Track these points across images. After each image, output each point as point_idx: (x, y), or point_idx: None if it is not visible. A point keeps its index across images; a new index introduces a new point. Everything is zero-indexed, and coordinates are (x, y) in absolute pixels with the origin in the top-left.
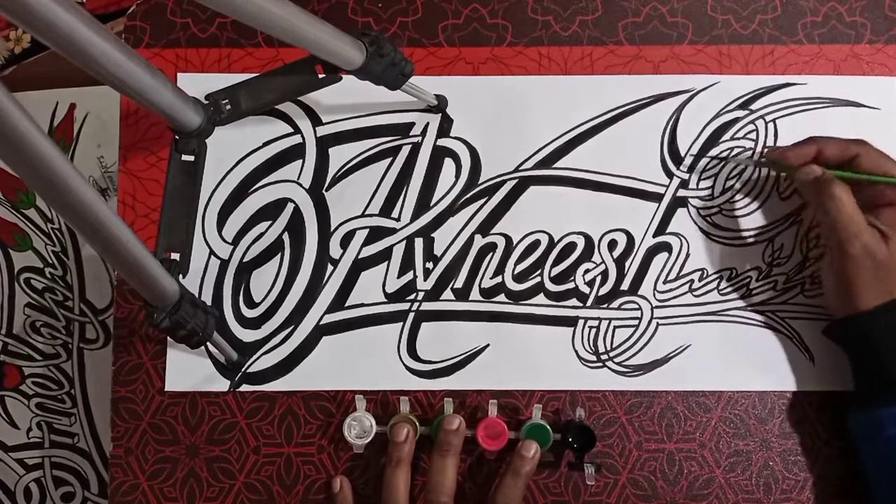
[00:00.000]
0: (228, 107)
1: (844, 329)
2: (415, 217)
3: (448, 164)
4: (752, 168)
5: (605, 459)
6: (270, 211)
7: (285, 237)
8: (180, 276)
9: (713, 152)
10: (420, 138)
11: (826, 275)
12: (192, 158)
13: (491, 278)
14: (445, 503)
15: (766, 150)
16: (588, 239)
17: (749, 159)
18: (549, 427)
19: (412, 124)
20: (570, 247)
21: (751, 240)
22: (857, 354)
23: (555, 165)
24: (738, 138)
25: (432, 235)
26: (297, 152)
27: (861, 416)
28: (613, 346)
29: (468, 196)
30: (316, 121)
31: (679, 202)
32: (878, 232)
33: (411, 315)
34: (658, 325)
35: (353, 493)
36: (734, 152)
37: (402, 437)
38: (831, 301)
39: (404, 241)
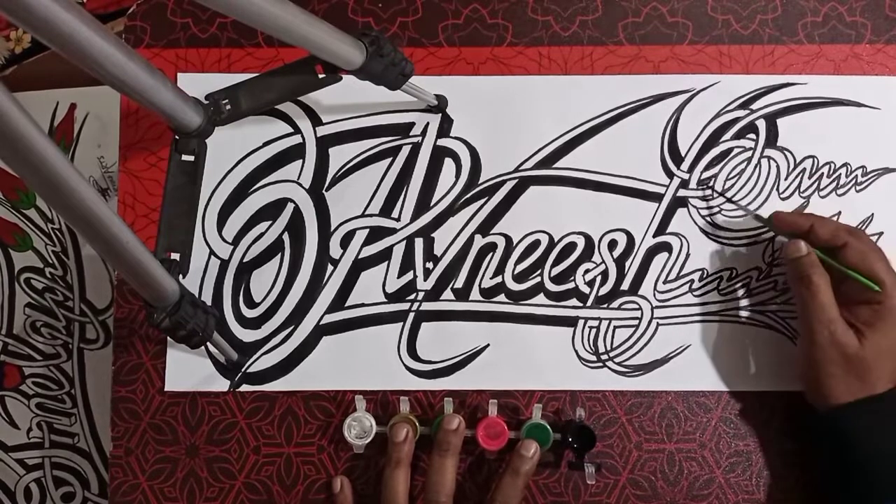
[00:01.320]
0: (228, 107)
1: (820, 422)
2: (415, 217)
3: (448, 164)
4: (750, 216)
5: (606, 460)
6: (270, 211)
7: (285, 237)
8: (180, 276)
9: (714, 152)
10: (420, 138)
11: (798, 359)
12: (192, 158)
13: (491, 278)
14: (444, 503)
15: (772, 212)
16: (588, 239)
17: (748, 210)
18: (549, 427)
19: (412, 124)
20: (571, 247)
21: (751, 240)
22: (830, 453)
23: (555, 165)
24: (739, 138)
25: (432, 235)
26: (297, 152)
27: None
28: (613, 346)
29: (468, 196)
30: (316, 121)
31: (679, 202)
32: (851, 327)
33: (411, 315)
34: (658, 325)
35: (353, 494)
36: (734, 152)
37: (401, 437)
38: (804, 385)
39: (404, 241)
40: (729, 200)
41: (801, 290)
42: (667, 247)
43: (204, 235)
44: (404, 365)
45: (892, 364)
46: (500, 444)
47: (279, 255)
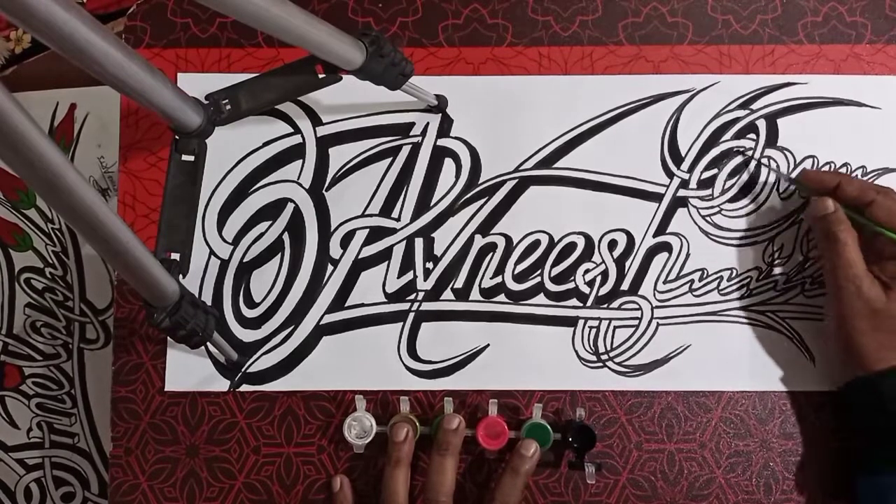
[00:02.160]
0: (228, 107)
1: (856, 388)
2: (415, 217)
3: (448, 164)
4: (784, 182)
5: (606, 460)
6: (270, 211)
7: (285, 237)
8: (180, 276)
9: (714, 152)
10: (420, 138)
11: (826, 318)
12: (192, 158)
13: (491, 278)
14: (444, 502)
15: (799, 170)
16: (588, 239)
17: (782, 174)
18: (549, 427)
19: (412, 124)
20: (571, 247)
21: (751, 240)
22: (866, 417)
23: (555, 165)
24: (739, 138)
25: (432, 235)
26: (297, 152)
27: (869, 483)
28: (613, 346)
29: (468, 196)
30: (316, 121)
31: (679, 202)
32: (878, 282)
33: (411, 315)
34: (658, 325)
35: (352, 493)
36: (735, 153)
37: (401, 436)
38: (833, 346)
39: (404, 241)
40: (770, 169)
41: (828, 246)
42: (667, 247)
43: (204, 235)
44: (404, 365)
45: None
46: (500, 443)
47: (279, 255)
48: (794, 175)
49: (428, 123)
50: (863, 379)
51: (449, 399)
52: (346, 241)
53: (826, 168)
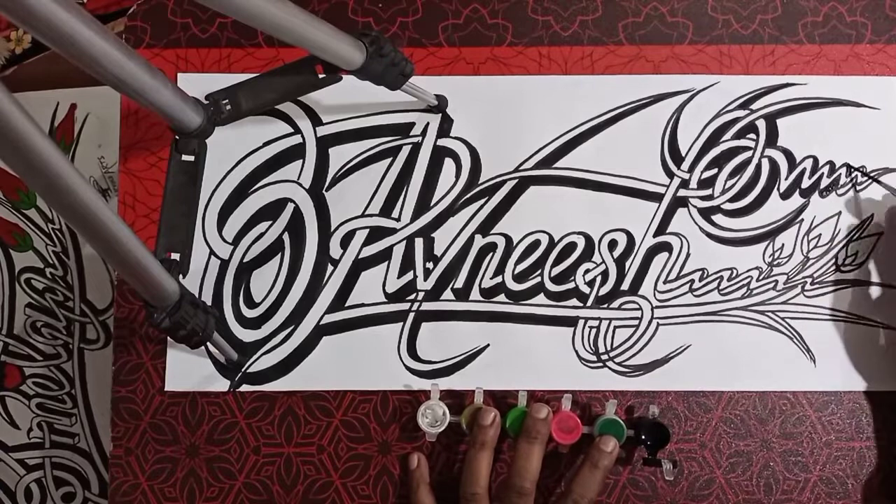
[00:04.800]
0: (228, 107)
1: None
2: (415, 217)
3: (448, 164)
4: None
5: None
6: (270, 211)
7: (285, 237)
8: (180, 276)
9: (714, 152)
10: (420, 138)
11: None
12: (192, 158)
13: (491, 278)
14: (528, 488)
15: None
16: (588, 239)
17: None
18: (622, 423)
19: (412, 124)
20: (571, 247)
21: (751, 240)
22: None
23: (555, 165)
24: (739, 138)
25: (432, 235)
26: (297, 152)
27: None
28: (614, 346)
29: (468, 196)
30: (316, 121)
31: (679, 202)
32: None
33: (411, 315)
34: (658, 325)
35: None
36: (734, 152)
37: (488, 420)
38: None
39: (404, 241)
40: (874, 180)
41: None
42: (667, 247)
43: (204, 235)
44: (404, 365)
45: None
46: (573, 438)
47: (279, 255)
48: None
49: (428, 123)
50: None
51: (523, 393)
52: (346, 241)
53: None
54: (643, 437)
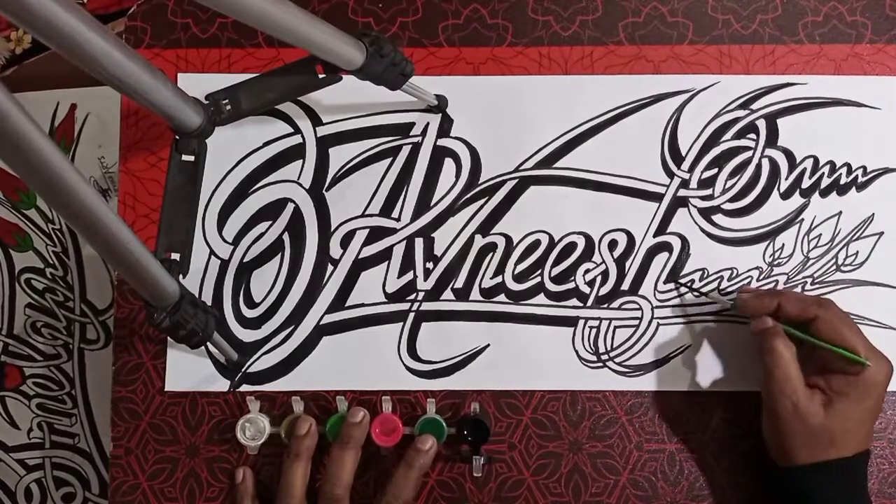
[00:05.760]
0: (228, 107)
1: (778, 480)
2: (415, 217)
3: (448, 164)
4: (720, 305)
5: (606, 460)
6: (270, 211)
7: (285, 237)
8: (180, 276)
9: (714, 152)
10: (420, 138)
11: (764, 431)
12: (192, 158)
13: (491, 278)
14: (340, 495)
15: (739, 292)
16: (588, 239)
17: (720, 299)
18: (443, 422)
19: (412, 124)
20: (571, 247)
21: (751, 240)
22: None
23: (555, 165)
24: (739, 138)
25: (432, 235)
26: (297, 152)
27: None
28: (614, 346)
29: (468, 196)
30: (316, 121)
31: (679, 202)
32: (819, 395)
33: (411, 315)
34: (658, 325)
35: (254, 485)
36: (734, 152)
37: (303, 430)
38: (768, 444)
39: (404, 241)
40: (697, 292)
41: (766, 360)
42: (667, 247)
43: (204, 235)
44: (404, 365)
45: (863, 430)
46: (394, 440)
47: (279, 255)
48: (730, 299)
49: (428, 123)
50: (788, 471)
51: (341, 398)
52: (346, 241)
53: (764, 286)
54: (465, 433)
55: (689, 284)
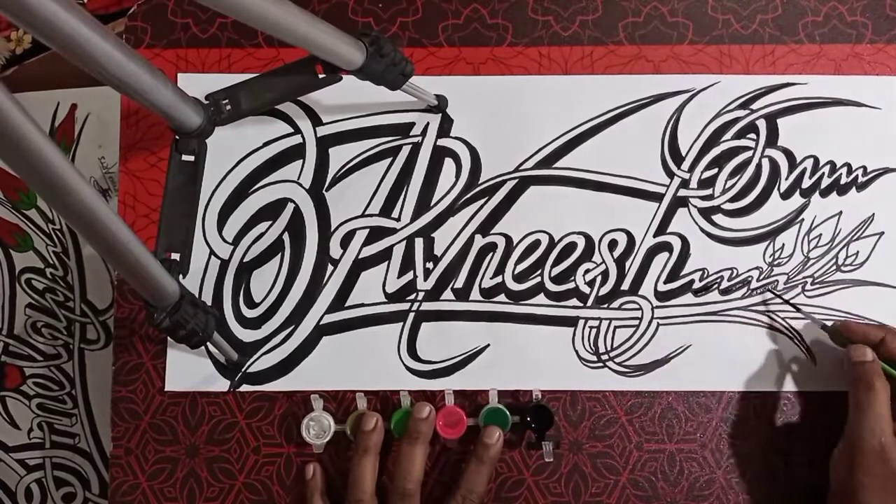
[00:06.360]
0: (228, 107)
1: None
2: (415, 217)
3: (448, 164)
4: (817, 327)
5: (606, 460)
6: (270, 211)
7: (285, 237)
8: (180, 276)
9: (715, 152)
10: (420, 138)
11: (836, 462)
12: (192, 158)
13: (491, 278)
14: (412, 489)
15: (837, 321)
16: (588, 239)
17: (815, 320)
18: (506, 410)
19: (412, 124)
20: (571, 247)
21: (751, 240)
22: None
23: (555, 165)
24: (739, 138)
25: (432, 235)
26: (297, 152)
27: None
28: (614, 346)
29: (468, 196)
30: (316, 121)
31: (679, 202)
32: None
33: (411, 315)
34: (658, 325)
35: (324, 482)
36: (734, 152)
37: (370, 426)
38: (834, 486)
39: (404, 241)
40: (793, 307)
41: (860, 394)
42: (667, 247)
43: (204, 235)
44: (404, 365)
45: None
46: (458, 432)
47: (279, 255)
48: (830, 324)
49: (428, 123)
50: None
51: (405, 393)
52: (346, 241)
53: (876, 325)
54: (529, 420)
55: (787, 299)
